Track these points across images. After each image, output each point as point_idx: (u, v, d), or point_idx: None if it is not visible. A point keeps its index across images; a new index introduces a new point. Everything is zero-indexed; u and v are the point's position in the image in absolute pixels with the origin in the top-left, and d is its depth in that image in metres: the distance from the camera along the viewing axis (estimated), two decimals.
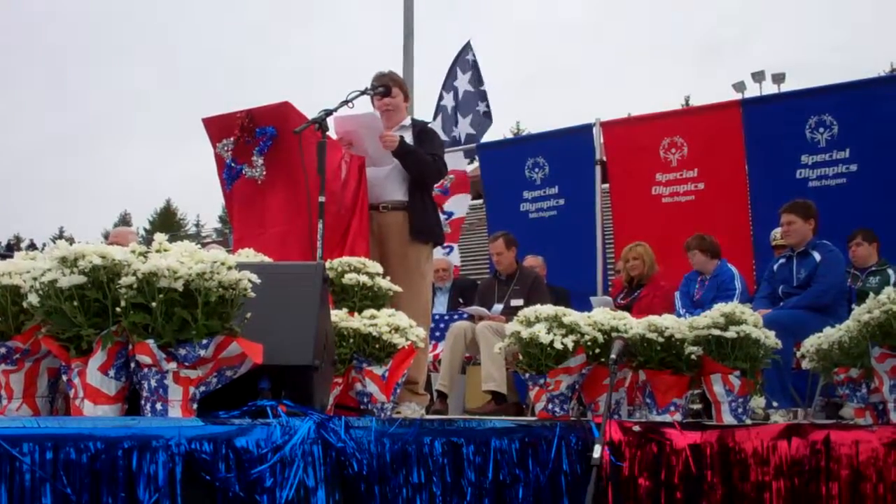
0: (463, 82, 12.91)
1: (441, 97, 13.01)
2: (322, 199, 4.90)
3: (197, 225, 56.19)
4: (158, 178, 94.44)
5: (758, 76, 31.33)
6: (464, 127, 12.70)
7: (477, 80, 12.95)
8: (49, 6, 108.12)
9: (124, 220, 53.62)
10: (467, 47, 13.08)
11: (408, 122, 5.85)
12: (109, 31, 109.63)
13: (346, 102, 5.24)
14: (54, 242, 2.78)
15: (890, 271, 7.08)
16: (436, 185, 6.41)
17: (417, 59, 12.38)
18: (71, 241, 2.86)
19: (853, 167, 8.26)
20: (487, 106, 12.88)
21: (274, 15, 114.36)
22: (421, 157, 5.55)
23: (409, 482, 3.28)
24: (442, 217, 10.60)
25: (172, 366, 2.73)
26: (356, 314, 4.13)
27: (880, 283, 6.88)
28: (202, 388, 2.83)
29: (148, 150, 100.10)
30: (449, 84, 12.98)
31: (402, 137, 5.52)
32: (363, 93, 5.41)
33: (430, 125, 6.07)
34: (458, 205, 11.72)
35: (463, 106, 12.82)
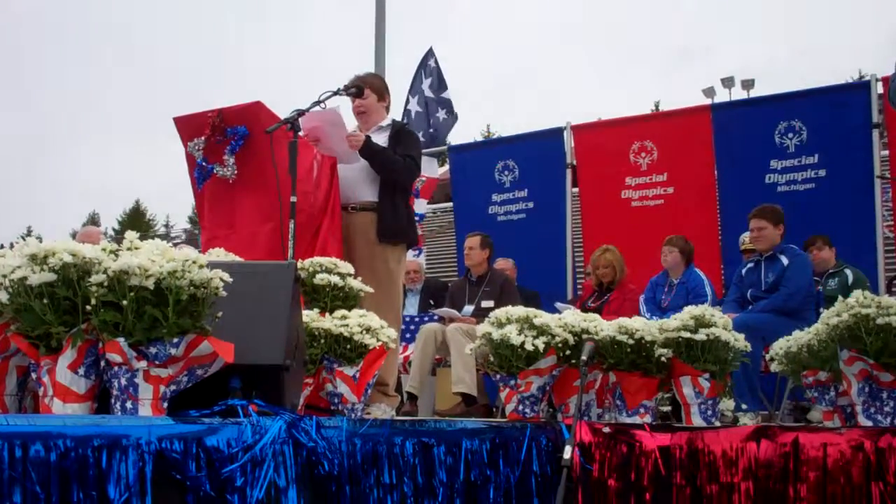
0: (425, 87, 12.96)
1: (407, 101, 13.06)
2: (294, 199, 4.87)
3: (166, 226, 55.61)
4: (128, 178, 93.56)
5: (727, 82, 31.52)
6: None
7: (438, 86, 12.99)
8: (24, 5, 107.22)
9: (93, 221, 53.06)
10: (429, 53, 13.13)
11: (387, 122, 5.81)
12: (77, 30, 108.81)
13: (318, 103, 5.19)
14: (24, 240, 2.76)
15: (847, 272, 7.21)
16: None
17: (389, 64, 12.42)
18: (40, 239, 2.83)
19: (822, 172, 8.36)
20: (450, 110, 12.94)
21: (247, 17, 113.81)
22: (389, 158, 5.50)
23: (380, 482, 3.27)
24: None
25: (143, 364, 2.71)
26: (327, 314, 4.12)
27: (839, 285, 7.01)
28: (173, 387, 2.82)
29: (117, 150, 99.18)
30: (416, 88, 13.03)
31: (368, 137, 5.48)
32: (335, 93, 5.37)
33: (407, 126, 6.04)
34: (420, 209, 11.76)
35: (427, 110, 12.87)
